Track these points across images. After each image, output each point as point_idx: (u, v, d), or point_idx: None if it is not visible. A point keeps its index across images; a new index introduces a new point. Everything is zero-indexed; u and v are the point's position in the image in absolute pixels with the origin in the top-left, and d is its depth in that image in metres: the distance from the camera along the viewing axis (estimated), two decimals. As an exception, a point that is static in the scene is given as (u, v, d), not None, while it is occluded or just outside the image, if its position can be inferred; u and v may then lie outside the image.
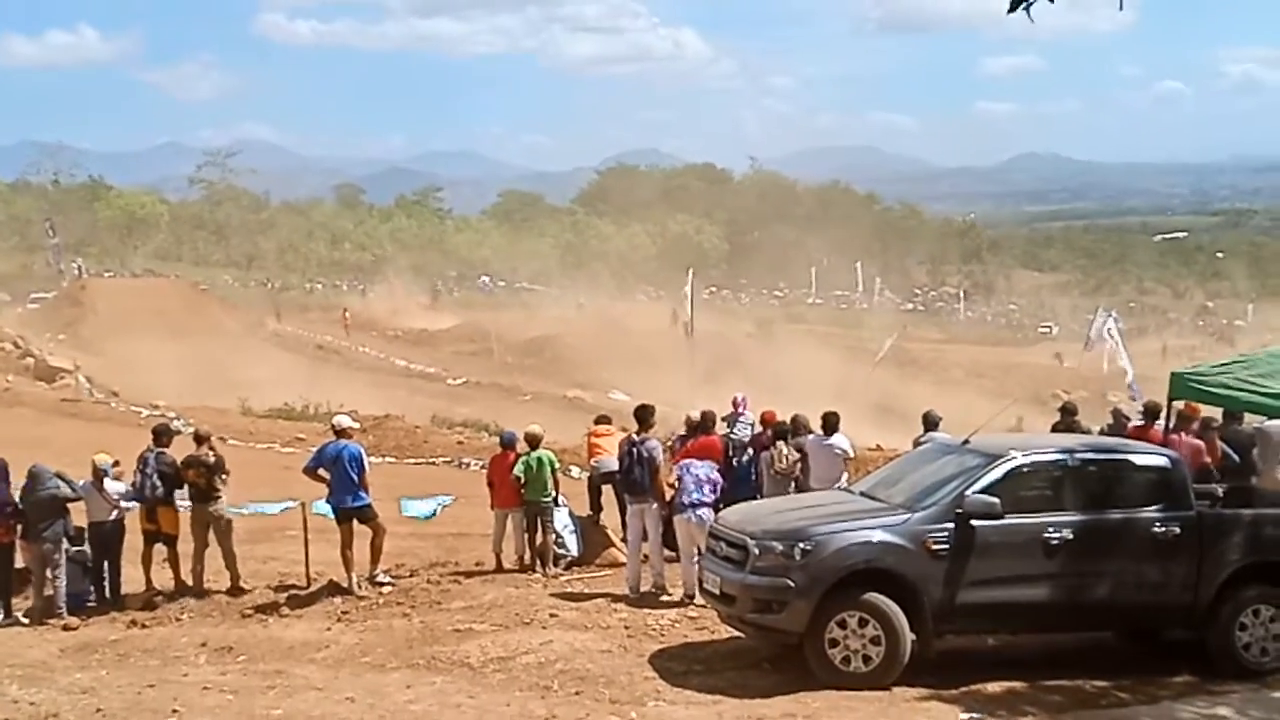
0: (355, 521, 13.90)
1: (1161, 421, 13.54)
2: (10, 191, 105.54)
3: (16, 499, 13.64)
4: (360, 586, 13.84)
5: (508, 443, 15.45)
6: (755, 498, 13.85)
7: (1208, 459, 13.26)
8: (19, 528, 13.67)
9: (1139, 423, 14.97)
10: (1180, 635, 10.93)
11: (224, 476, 14.41)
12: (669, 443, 15.63)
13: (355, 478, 13.83)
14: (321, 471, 13.97)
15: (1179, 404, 13.15)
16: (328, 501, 14.04)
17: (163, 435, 14.77)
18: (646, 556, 13.66)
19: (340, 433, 14.18)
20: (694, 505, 12.77)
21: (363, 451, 14.27)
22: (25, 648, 12.26)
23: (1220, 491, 11.71)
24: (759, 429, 15.27)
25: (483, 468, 18.34)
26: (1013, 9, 7.87)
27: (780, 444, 14.35)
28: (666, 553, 13.56)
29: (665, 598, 13.08)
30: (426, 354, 57.69)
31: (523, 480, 14.64)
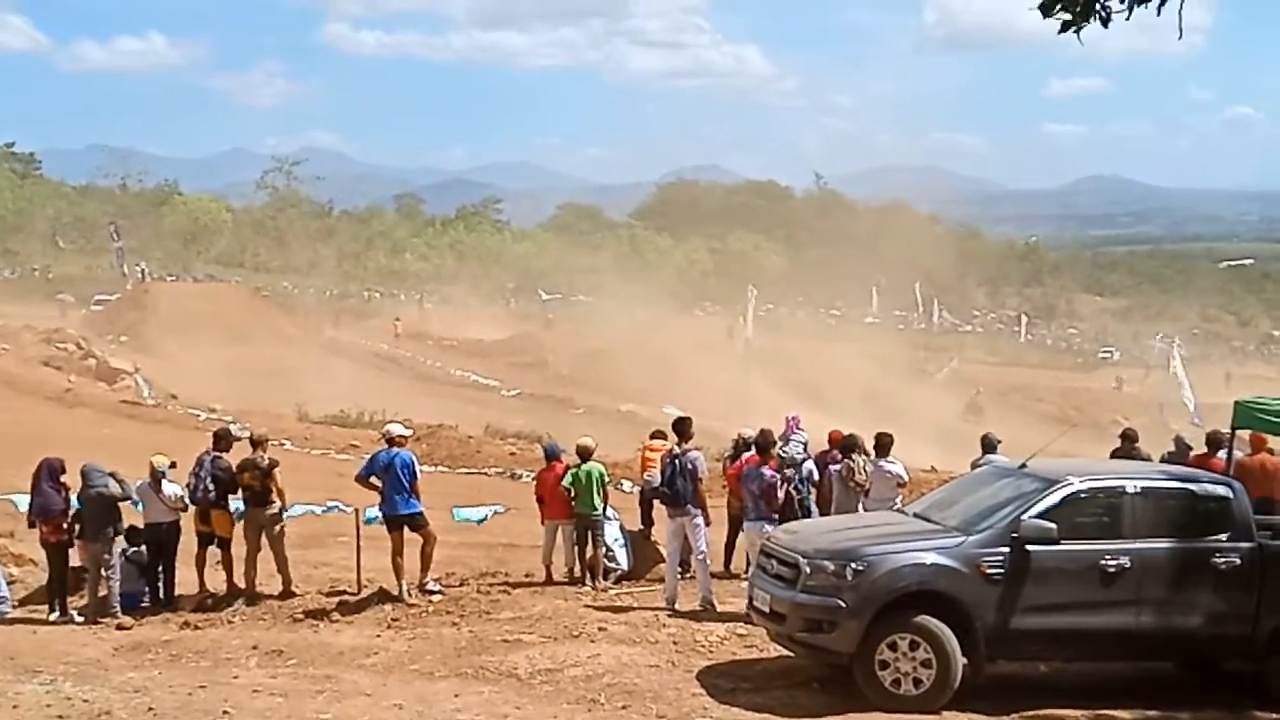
0: (406, 529, 13.95)
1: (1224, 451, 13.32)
2: (78, 195, 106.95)
3: (74, 499, 13.80)
4: (410, 594, 13.87)
5: (552, 455, 15.51)
6: (807, 516, 13.78)
7: None
8: (75, 527, 13.83)
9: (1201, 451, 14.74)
10: (1240, 667, 10.73)
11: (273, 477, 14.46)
12: (721, 459, 15.58)
13: (407, 485, 13.87)
14: (374, 480, 14.01)
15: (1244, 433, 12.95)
16: (380, 509, 14.10)
17: (222, 439, 14.91)
18: (683, 571, 13.67)
19: (392, 441, 14.22)
20: (763, 518, 12.73)
21: (415, 459, 14.33)
22: (79, 646, 12.41)
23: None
24: (824, 447, 15.21)
25: (534, 479, 18.33)
26: (1063, 30, 7.87)
27: (856, 456, 14.28)
28: (713, 567, 13.54)
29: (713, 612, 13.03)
30: (481, 364, 57.79)
31: (571, 492, 14.65)
